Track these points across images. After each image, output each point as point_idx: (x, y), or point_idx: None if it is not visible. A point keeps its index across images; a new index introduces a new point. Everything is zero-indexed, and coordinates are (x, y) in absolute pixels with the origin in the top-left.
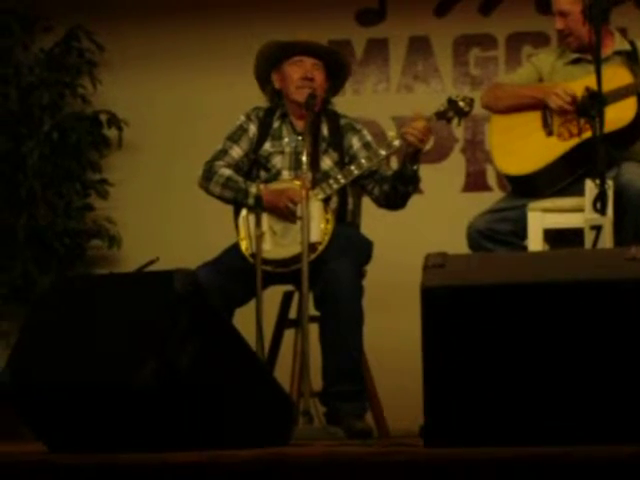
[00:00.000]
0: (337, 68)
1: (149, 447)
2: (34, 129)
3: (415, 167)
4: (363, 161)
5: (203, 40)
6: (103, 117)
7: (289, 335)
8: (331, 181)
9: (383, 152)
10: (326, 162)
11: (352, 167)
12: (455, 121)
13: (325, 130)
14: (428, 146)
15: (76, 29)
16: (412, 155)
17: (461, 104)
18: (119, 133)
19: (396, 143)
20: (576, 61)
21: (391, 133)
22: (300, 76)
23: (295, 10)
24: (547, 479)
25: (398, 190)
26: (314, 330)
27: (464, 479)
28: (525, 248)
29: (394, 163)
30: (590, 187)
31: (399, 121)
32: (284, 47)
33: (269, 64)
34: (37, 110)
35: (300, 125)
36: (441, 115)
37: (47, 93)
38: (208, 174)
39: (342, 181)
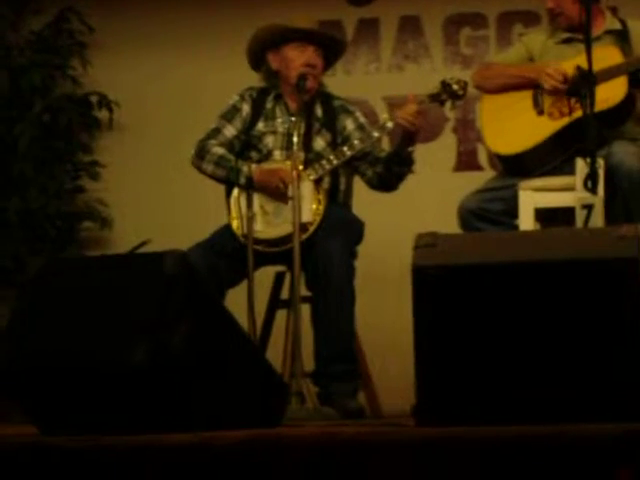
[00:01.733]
0: (332, 51)
1: (141, 429)
2: (25, 111)
3: (411, 149)
4: (356, 142)
5: (194, 22)
6: (94, 99)
7: (281, 316)
8: (323, 162)
9: (376, 134)
10: (319, 143)
11: (345, 148)
12: (448, 104)
13: (319, 111)
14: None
15: (66, 11)
16: (408, 137)
17: (455, 87)
18: (110, 114)
19: (389, 125)
20: (567, 40)
21: (384, 115)
22: (303, 62)
23: None
24: (539, 457)
25: (393, 171)
26: (306, 310)
27: (456, 458)
28: (516, 227)
29: (385, 144)
30: (581, 166)
31: (390, 101)
32: (287, 32)
33: (266, 44)
34: (27, 92)
35: (294, 107)
36: (434, 98)
37: (37, 75)
38: (201, 152)
39: (334, 162)
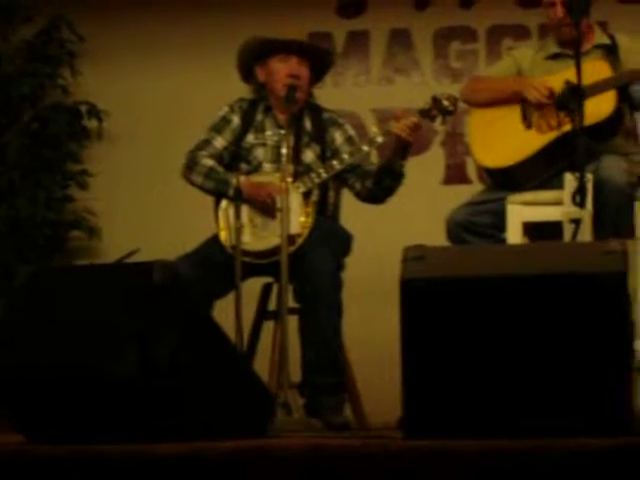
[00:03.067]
0: (320, 62)
1: (128, 438)
2: (14, 119)
3: (404, 162)
4: (345, 156)
5: (184, 32)
6: (83, 108)
7: (268, 327)
8: (312, 175)
9: (365, 148)
10: (308, 155)
11: (334, 162)
12: (439, 120)
13: (308, 124)
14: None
15: (57, 20)
16: (402, 149)
17: (445, 103)
18: (99, 124)
19: (379, 139)
20: (556, 56)
21: (374, 129)
22: (287, 73)
23: (277, 2)
24: (525, 471)
25: (384, 185)
26: (293, 322)
27: (443, 471)
28: (504, 241)
29: (374, 158)
30: (569, 180)
31: (379, 113)
32: (271, 44)
33: (253, 57)
34: (17, 101)
35: (283, 119)
36: (425, 113)
37: (27, 84)
38: (190, 164)
39: (324, 175)
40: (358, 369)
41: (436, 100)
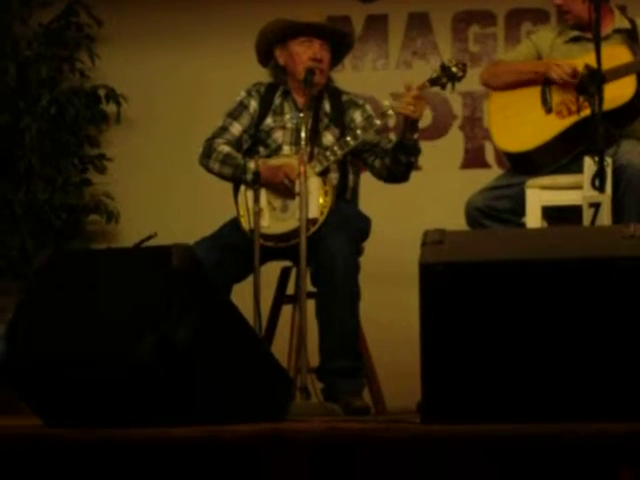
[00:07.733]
0: (340, 45)
1: (146, 422)
2: (32, 104)
3: (415, 136)
4: (359, 132)
5: (202, 16)
6: (101, 92)
7: (287, 311)
8: (328, 153)
9: (378, 122)
10: (327, 138)
11: (348, 138)
12: (449, 87)
13: (327, 106)
14: (423, 114)
15: (75, 4)
16: (410, 125)
17: (454, 70)
18: (117, 108)
19: (391, 112)
20: (576, 39)
21: (386, 103)
22: (309, 57)
23: None
24: (544, 456)
25: (400, 161)
26: (312, 306)
27: (462, 456)
28: (523, 225)
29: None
30: (589, 164)
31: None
32: (294, 26)
33: (273, 39)
34: (35, 85)
35: (302, 102)
36: (434, 82)
37: (45, 68)
38: (207, 151)
39: (339, 153)
40: (377, 353)
41: (445, 67)
